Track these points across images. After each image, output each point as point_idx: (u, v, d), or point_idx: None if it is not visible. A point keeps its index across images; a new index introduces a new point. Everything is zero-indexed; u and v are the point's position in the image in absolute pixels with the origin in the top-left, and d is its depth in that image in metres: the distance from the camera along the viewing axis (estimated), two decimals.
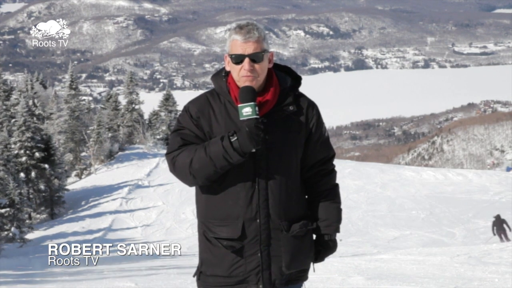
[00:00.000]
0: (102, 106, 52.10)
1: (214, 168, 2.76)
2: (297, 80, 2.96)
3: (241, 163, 2.78)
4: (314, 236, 3.05)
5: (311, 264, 3.03)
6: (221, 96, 2.89)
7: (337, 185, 3.08)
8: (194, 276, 2.98)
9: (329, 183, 3.03)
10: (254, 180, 2.82)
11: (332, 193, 3.03)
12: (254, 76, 2.79)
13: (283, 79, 2.92)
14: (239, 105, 2.74)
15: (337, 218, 3.03)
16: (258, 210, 2.83)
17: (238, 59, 2.78)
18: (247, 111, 2.72)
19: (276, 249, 2.87)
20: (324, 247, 3.03)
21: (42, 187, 33.64)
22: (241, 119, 2.74)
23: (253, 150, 2.77)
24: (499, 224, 21.24)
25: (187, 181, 2.85)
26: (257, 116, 2.72)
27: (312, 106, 2.95)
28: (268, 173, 2.83)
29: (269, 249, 2.86)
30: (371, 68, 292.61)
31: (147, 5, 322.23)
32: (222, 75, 2.91)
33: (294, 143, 2.89)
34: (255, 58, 2.78)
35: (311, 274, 3.08)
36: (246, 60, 2.77)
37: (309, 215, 3.02)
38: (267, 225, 2.85)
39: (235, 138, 2.73)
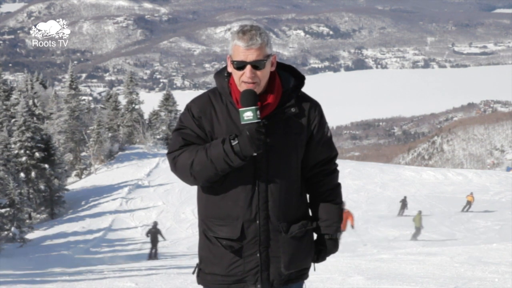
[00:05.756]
0: (102, 106, 52.13)
1: (215, 171, 2.76)
2: (301, 80, 2.93)
3: (241, 165, 2.77)
4: (315, 235, 3.05)
5: (312, 262, 3.02)
6: (223, 96, 2.87)
7: (339, 185, 3.06)
8: (193, 273, 2.99)
9: (331, 182, 3.02)
10: (254, 182, 2.82)
11: (333, 193, 3.02)
12: (255, 82, 2.76)
13: (286, 79, 2.89)
14: (240, 109, 2.72)
15: (338, 218, 3.02)
16: (257, 211, 2.82)
17: (240, 65, 2.75)
18: (248, 115, 2.69)
19: (275, 250, 2.87)
20: (325, 246, 3.03)
21: (42, 187, 33.63)
22: (242, 123, 2.72)
23: (254, 154, 2.76)
24: (403, 205, 28.01)
25: (188, 181, 2.86)
26: (259, 121, 2.70)
27: (314, 106, 2.92)
28: (268, 175, 2.83)
29: (268, 250, 2.86)
30: (371, 68, 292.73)
31: (147, 5, 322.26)
32: (224, 75, 2.88)
33: (294, 145, 2.87)
34: (257, 65, 2.74)
35: (311, 273, 3.08)
36: (248, 67, 2.73)
37: (308, 215, 3.01)
38: (266, 227, 2.84)
39: (236, 142, 2.71)
